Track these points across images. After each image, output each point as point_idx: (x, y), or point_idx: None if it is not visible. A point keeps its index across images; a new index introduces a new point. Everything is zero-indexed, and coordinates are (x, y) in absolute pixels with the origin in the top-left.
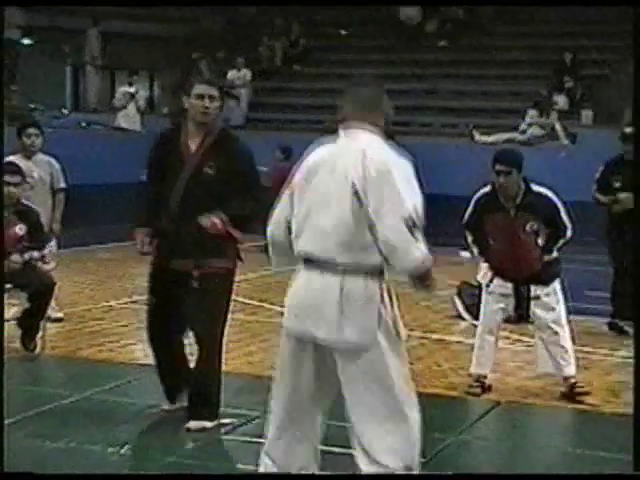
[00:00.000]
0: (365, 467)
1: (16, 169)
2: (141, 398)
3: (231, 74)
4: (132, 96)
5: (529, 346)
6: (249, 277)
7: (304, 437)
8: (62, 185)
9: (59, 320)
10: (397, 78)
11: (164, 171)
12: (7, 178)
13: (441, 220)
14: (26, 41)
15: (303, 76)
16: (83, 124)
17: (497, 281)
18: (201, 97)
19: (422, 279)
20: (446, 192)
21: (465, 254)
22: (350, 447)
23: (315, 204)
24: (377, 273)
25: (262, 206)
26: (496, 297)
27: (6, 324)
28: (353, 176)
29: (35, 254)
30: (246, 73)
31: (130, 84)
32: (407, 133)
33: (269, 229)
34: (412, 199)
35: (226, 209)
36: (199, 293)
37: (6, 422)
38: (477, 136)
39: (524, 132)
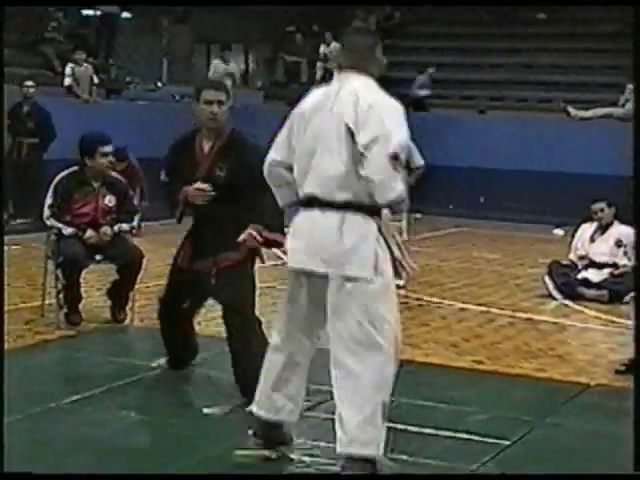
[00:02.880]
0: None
1: (108, 140)
2: (228, 372)
3: (323, 48)
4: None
5: (622, 327)
6: None
7: (296, 364)
8: None
9: None
10: (492, 52)
11: (181, 174)
12: (101, 149)
13: (535, 197)
14: (125, 15)
15: (396, 49)
16: (177, 97)
17: None
18: (209, 103)
19: (396, 210)
20: (540, 169)
21: (558, 231)
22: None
23: (316, 146)
24: (375, 213)
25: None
26: None
27: (97, 294)
28: (347, 116)
29: (124, 226)
30: (336, 46)
31: (222, 58)
32: (502, 108)
33: (266, 168)
34: (400, 135)
35: (252, 214)
36: (218, 287)
37: (93, 392)
38: (573, 111)
39: (623, 107)
